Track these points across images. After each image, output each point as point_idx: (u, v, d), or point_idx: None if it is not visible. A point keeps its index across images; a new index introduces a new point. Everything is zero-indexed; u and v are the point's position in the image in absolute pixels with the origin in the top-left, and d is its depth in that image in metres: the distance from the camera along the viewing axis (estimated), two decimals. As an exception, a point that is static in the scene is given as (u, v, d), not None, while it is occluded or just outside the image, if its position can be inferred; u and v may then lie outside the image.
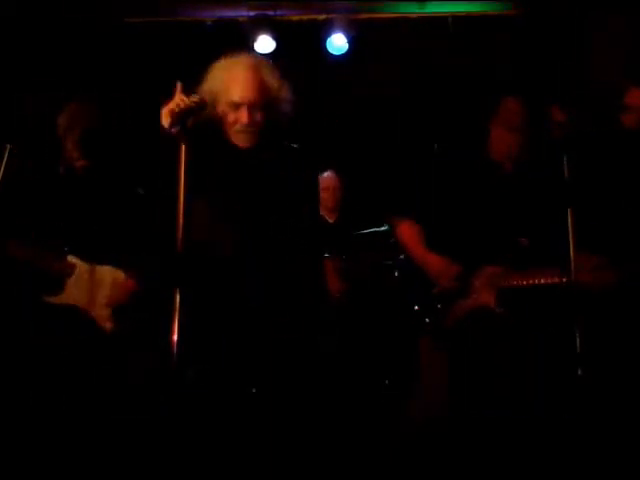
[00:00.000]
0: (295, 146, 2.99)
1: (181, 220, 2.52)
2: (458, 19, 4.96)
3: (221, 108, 2.83)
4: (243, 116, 2.80)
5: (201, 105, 2.65)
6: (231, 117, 2.82)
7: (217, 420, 2.82)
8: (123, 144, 3.30)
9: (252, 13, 4.92)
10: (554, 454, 2.94)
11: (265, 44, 4.87)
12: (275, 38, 4.87)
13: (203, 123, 2.82)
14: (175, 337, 2.48)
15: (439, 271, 3.13)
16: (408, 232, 3.27)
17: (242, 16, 4.96)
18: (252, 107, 2.80)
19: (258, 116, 2.82)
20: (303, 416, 2.82)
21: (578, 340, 2.71)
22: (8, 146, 3.02)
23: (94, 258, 3.15)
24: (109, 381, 3.04)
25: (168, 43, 4.90)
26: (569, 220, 2.78)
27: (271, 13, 4.92)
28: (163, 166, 2.68)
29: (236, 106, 2.81)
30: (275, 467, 2.76)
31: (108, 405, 3.02)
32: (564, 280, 2.90)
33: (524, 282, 3.06)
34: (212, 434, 2.83)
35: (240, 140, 2.84)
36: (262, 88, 2.83)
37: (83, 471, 2.95)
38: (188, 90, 2.70)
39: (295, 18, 5.01)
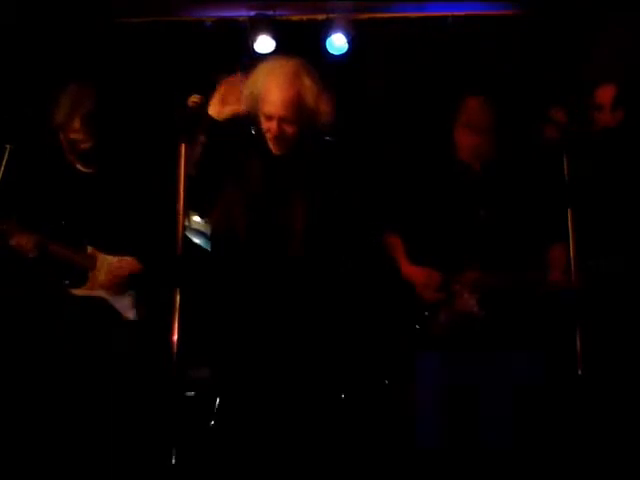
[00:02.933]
0: (331, 139, 3.00)
1: (181, 219, 2.53)
2: (458, 19, 4.95)
3: (259, 110, 2.86)
4: (273, 128, 2.83)
5: (200, 105, 2.65)
6: (265, 125, 2.87)
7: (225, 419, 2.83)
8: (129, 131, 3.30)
9: (252, 13, 4.91)
10: (554, 454, 2.94)
11: (265, 44, 4.86)
12: (275, 38, 4.86)
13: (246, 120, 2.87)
14: (175, 337, 2.49)
15: (423, 283, 3.12)
16: (394, 245, 3.28)
17: (242, 16, 4.95)
18: (283, 120, 2.83)
19: (289, 129, 2.84)
20: (305, 416, 2.82)
21: (578, 340, 2.71)
22: (8, 146, 3.03)
23: (111, 249, 3.17)
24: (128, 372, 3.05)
25: (168, 43, 4.89)
26: (569, 220, 2.78)
27: (271, 13, 4.91)
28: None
29: (268, 117, 2.84)
30: (278, 466, 2.76)
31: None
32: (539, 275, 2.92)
33: (504, 283, 3.06)
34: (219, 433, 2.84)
35: (272, 146, 2.89)
36: (296, 102, 2.83)
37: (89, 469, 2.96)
38: (187, 91, 2.71)
39: (295, 18, 5.00)
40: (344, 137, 3.14)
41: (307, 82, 2.86)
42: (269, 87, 2.84)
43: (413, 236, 3.20)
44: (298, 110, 2.83)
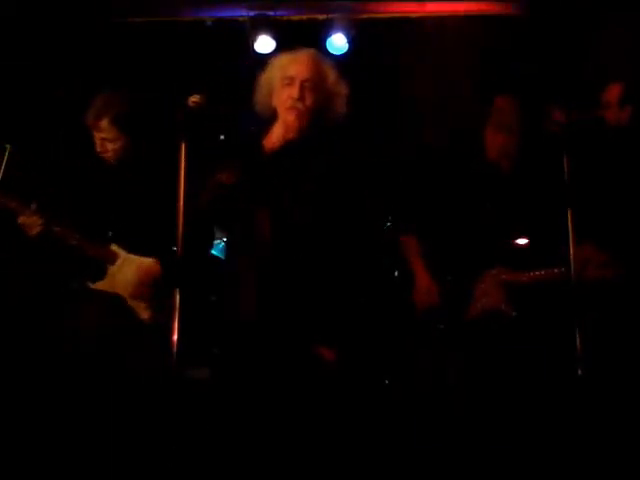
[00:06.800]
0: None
1: (181, 218, 2.53)
2: (458, 19, 4.96)
3: (276, 94, 2.86)
4: (294, 91, 2.82)
5: (200, 105, 2.65)
6: (284, 93, 2.85)
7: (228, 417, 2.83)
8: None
9: (252, 13, 4.91)
10: (554, 454, 2.94)
11: (265, 44, 4.86)
12: (275, 38, 4.86)
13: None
14: (175, 337, 2.49)
15: (423, 288, 3.12)
16: (408, 243, 3.28)
17: (242, 16, 4.96)
18: (305, 84, 2.82)
19: (309, 98, 2.83)
20: (304, 415, 2.82)
21: (578, 340, 2.70)
22: (8, 146, 3.03)
23: (135, 247, 3.18)
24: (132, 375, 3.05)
25: (168, 43, 4.89)
26: (569, 220, 2.78)
27: (271, 13, 4.91)
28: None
29: (290, 80, 2.84)
30: (277, 466, 2.76)
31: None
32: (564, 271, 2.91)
33: (529, 279, 3.06)
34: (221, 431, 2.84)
35: (288, 119, 2.82)
36: (319, 71, 2.87)
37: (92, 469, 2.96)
38: (186, 91, 2.71)
39: (295, 18, 5.00)
40: (352, 136, 3.16)
41: (328, 63, 2.94)
42: (291, 59, 2.89)
43: (437, 235, 3.20)
44: (319, 78, 2.86)
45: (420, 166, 3.59)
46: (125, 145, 3.21)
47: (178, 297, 2.54)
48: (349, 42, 4.94)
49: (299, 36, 4.89)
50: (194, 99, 2.65)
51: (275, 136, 2.86)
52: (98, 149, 3.24)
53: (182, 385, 2.55)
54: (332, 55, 4.96)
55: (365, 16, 5.00)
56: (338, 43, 4.95)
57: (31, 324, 3.40)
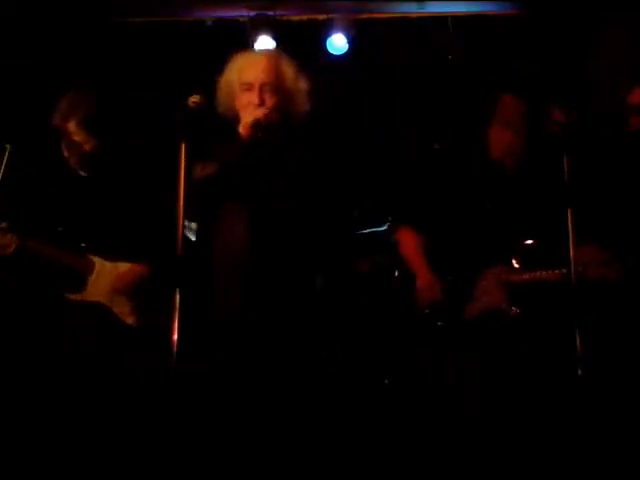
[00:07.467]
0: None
1: (181, 219, 2.53)
2: (458, 19, 4.96)
3: (237, 97, 2.84)
4: (254, 96, 2.79)
5: (200, 105, 2.65)
6: (244, 99, 2.81)
7: (219, 418, 2.82)
8: (130, 130, 3.30)
9: (252, 13, 4.92)
10: (555, 454, 2.94)
11: (265, 44, 4.86)
12: (275, 38, 4.86)
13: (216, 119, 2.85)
14: (175, 337, 2.48)
15: (425, 284, 3.12)
16: (407, 240, 3.27)
17: (242, 16, 4.96)
18: (264, 88, 2.79)
19: (270, 99, 2.80)
20: (305, 416, 2.82)
21: (578, 340, 2.71)
22: (8, 146, 3.02)
23: (112, 254, 3.16)
24: (131, 375, 3.04)
25: (168, 43, 4.90)
26: (569, 220, 2.78)
27: (271, 13, 4.92)
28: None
29: (248, 86, 2.81)
30: (277, 466, 2.76)
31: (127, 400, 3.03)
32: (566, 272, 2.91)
33: (530, 278, 3.06)
34: (214, 433, 2.83)
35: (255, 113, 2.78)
36: (276, 73, 2.83)
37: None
38: (186, 91, 2.71)
39: (295, 18, 5.01)
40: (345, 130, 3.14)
41: (285, 60, 2.90)
42: (249, 62, 2.87)
43: (438, 233, 3.20)
44: (278, 80, 2.83)
45: (422, 165, 3.59)
46: (95, 147, 3.14)
47: (178, 297, 2.53)
48: (349, 42, 4.95)
49: (299, 36, 4.90)
50: (194, 99, 2.64)
51: (244, 119, 2.80)
52: (66, 153, 3.17)
53: (180, 385, 2.55)
54: (332, 55, 4.98)
55: (365, 16, 5.01)
56: (338, 43, 4.96)
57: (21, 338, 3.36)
